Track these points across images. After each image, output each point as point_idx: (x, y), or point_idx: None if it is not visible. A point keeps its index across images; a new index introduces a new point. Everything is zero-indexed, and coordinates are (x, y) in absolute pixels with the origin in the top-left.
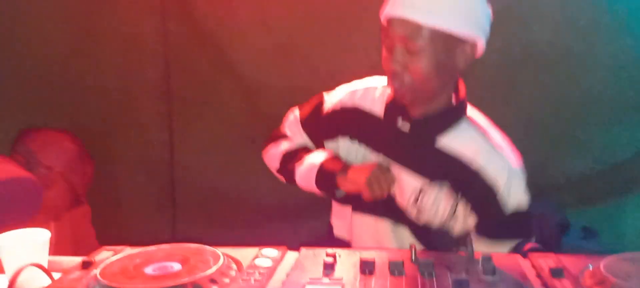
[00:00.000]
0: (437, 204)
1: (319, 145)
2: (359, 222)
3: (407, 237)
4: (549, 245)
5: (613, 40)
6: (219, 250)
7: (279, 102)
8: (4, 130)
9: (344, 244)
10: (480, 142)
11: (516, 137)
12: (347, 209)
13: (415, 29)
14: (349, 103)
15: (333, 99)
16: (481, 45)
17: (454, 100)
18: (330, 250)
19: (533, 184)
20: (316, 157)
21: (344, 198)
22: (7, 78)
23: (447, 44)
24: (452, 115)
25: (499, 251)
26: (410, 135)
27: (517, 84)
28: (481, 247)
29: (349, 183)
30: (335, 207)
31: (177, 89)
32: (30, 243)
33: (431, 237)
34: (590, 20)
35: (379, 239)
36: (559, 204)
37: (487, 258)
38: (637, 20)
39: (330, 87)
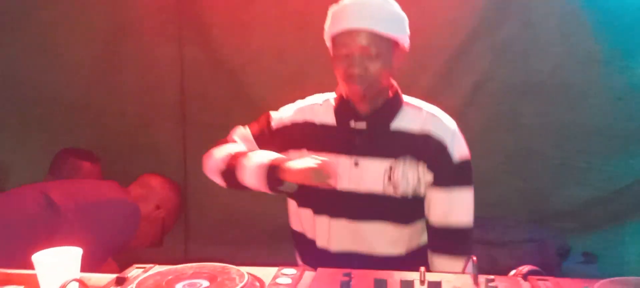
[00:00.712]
0: (405, 174)
1: None
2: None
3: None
4: (550, 269)
5: (611, 73)
6: (243, 269)
7: None
8: (29, 151)
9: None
10: (422, 115)
11: (518, 165)
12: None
13: (371, 37)
14: (299, 119)
15: (281, 116)
16: (407, 47)
17: (391, 94)
18: (346, 271)
19: (535, 211)
20: (262, 155)
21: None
22: (34, 103)
23: (392, 46)
24: (395, 104)
25: (453, 202)
26: (367, 130)
27: (518, 114)
28: (440, 202)
29: (294, 173)
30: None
31: (192, 113)
32: (64, 260)
33: (405, 210)
34: (589, 53)
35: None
36: (559, 230)
37: (490, 280)
38: (635, 53)
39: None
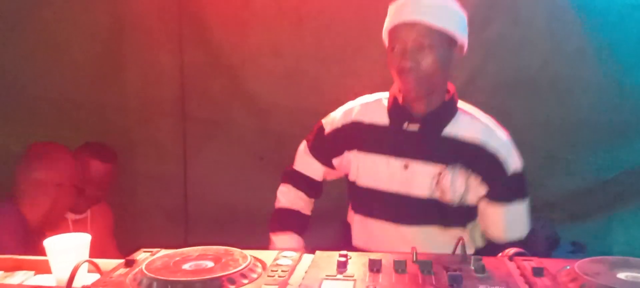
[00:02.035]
0: (453, 182)
1: (329, 164)
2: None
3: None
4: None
5: (598, 68)
6: (246, 252)
7: (287, 123)
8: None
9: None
10: (477, 125)
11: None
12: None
13: (426, 30)
14: (348, 121)
15: (332, 121)
16: (465, 47)
17: (446, 98)
18: (342, 252)
19: None
20: (281, 242)
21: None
22: (39, 99)
23: (447, 43)
24: (450, 109)
25: (510, 217)
26: (420, 133)
27: (509, 108)
28: (497, 218)
29: None
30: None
31: (191, 110)
32: (74, 245)
33: (452, 215)
34: (577, 49)
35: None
36: (548, 220)
37: (478, 259)
38: (621, 49)
39: (335, 109)
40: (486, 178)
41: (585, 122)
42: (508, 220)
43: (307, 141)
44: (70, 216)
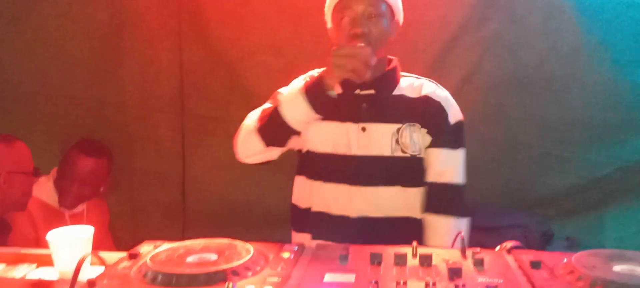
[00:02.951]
0: (412, 136)
1: None
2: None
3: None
4: None
5: (593, 66)
6: (248, 245)
7: None
8: (35, 141)
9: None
10: (420, 83)
11: (505, 155)
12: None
13: (375, 0)
14: None
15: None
16: (401, 22)
17: (391, 66)
18: (344, 246)
19: (520, 199)
20: (293, 85)
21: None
22: (36, 95)
23: (391, 14)
24: (395, 74)
25: (448, 161)
26: (374, 96)
27: (504, 106)
28: (436, 161)
29: (335, 70)
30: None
31: (190, 106)
32: (77, 238)
33: (411, 172)
34: (573, 48)
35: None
36: (543, 216)
37: (477, 252)
38: (616, 47)
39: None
40: (431, 129)
41: (580, 120)
42: (446, 164)
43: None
44: (66, 212)
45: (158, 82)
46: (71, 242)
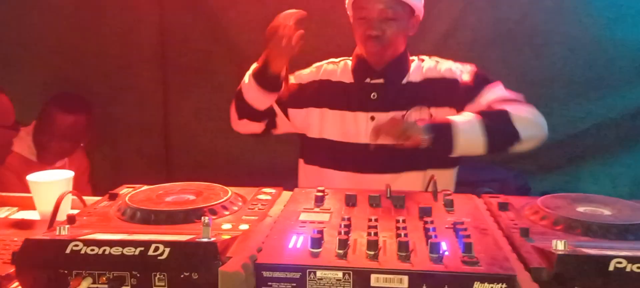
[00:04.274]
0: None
1: (285, 113)
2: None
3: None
4: None
5: (575, 22)
6: (227, 187)
7: None
8: (14, 92)
9: None
10: (425, 64)
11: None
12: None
13: (391, 1)
14: (317, 78)
15: (300, 74)
16: (421, 16)
17: (398, 54)
18: (320, 188)
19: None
20: (252, 68)
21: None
22: (13, 44)
23: (408, 13)
24: (405, 61)
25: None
26: (384, 85)
27: (486, 61)
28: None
29: (269, 58)
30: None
31: (172, 56)
32: (57, 180)
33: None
34: (555, 2)
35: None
36: (520, 171)
37: (448, 194)
38: (596, 4)
39: (316, 57)
40: (450, 99)
41: (559, 76)
42: (487, 99)
43: None
44: (46, 168)
45: (139, 32)
46: (51, 183)
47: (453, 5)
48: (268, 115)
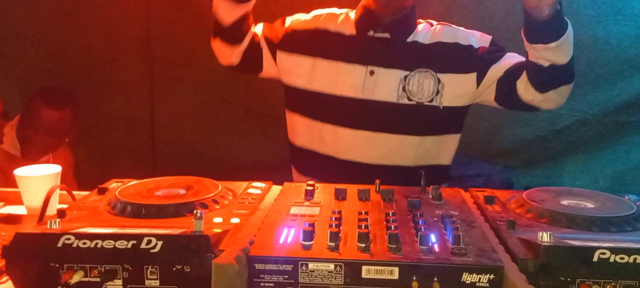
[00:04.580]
0: (422, 85)
1: (273, 53)
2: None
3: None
4: None
5: None
6: (217, 181)
7: None
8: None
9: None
10: (434, 27)
11: (470, 107)
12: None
13: None
14: (314, 25)
15: (297, 18)
16: None
17: (407, 11)
18: (310, 182)
19: (483, 150)
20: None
21: None
22: None
23: None
24: (413, 18)
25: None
26: (389, 40)
27: None
28: (505, 64)
29: None
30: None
31: (157, 51)
32: (45, 174)
33: (416, 121)
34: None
35: (359, 148)
36: (504, 166)
37: (436, 188)
38: (579, 2)
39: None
40: (463, 65)
41: None
42: (510, 59)
43: (263, 26)
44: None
45: (124, 26)
46: (39, 178)
47: (439, 2)
48: (239, 38)
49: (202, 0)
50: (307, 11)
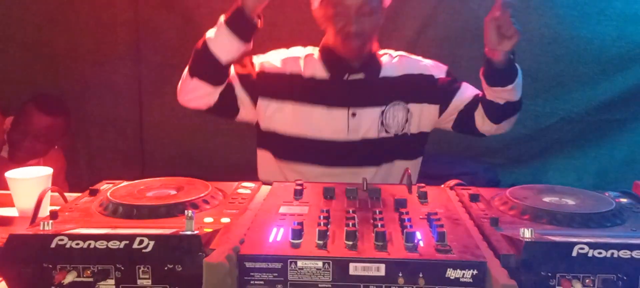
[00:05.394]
0: (395, 116)
1: (254, 98)
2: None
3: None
4: None
5: (541, 20)
6: (207, 182)
7: None
8: None
9: None
10: (396, 60)
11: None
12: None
13: None
14: (286, 70)
15: (266, 61)
16: (387, 4)
17: (374, 47)
18: (299, 181)
19: (469, 148)
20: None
21: None
22: None
23: (381, 5)
24: (377, 55)
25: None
26: (364, 80)
27: (456, 58)
28: (462, 99)
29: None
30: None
31: (146, 53)
32: (36, 177)
33: (394, 149)
34: (522, 1)
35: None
36: (490, 165)
37: (421, 186)
38: (562, 3)
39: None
40: (428, 95)
41: (527, 72)
42: (465, 94)
43: (235, 67)
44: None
45: (112, 28)
46: (31, 180)
47: (425, 3)
48: (224, 79)
49: (189, 1)
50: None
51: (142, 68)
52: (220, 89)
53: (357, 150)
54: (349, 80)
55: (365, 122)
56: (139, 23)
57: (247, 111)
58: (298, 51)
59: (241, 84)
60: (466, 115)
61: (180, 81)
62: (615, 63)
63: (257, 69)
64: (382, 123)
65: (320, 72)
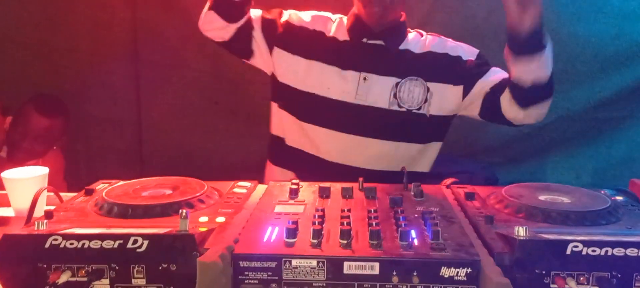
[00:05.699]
0: (412, 92)
1: (270, 46)
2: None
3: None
4: None
5: None
6: (202, 181)
7: (241, 67)
8: None
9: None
10: (424, 37)
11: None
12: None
13: None
14: (312, 26)
15: (294, 14)
16: None
17: (401, 19)
18: (294, 181)
19: (468, 147)
20: None
21: None
22: None
23: None
24: (404, 28)
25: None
26: (383, 47)
27: None
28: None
29: None
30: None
31: (144, 52)
32: (32, 176)
33: (403, 127)
34: None
35: (346, 153)
36: (488, 163)
37: (417, 185)
38: (559, 1)
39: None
40: (451, 76)
41: None
42: (493, 76)
43: (263, 12)
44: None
45: (111, 28)
46: (27, 180)
47: (423, 2)
48: (238, 17)
49: (188, 2)
50: (303, 8)
51: (141, 68)
52: (235, 26)
53: (364, 117)
54: (366, 44)
55: (376, 89)
56: (138, 23)
57: (261, 56)
58: (329, 14)
59: (262, 28)
60: (492, 99)
61: (201, 15)
62: (613, 61)
63: (284, 18)
64: (395, 95)
65: (342, 35)
